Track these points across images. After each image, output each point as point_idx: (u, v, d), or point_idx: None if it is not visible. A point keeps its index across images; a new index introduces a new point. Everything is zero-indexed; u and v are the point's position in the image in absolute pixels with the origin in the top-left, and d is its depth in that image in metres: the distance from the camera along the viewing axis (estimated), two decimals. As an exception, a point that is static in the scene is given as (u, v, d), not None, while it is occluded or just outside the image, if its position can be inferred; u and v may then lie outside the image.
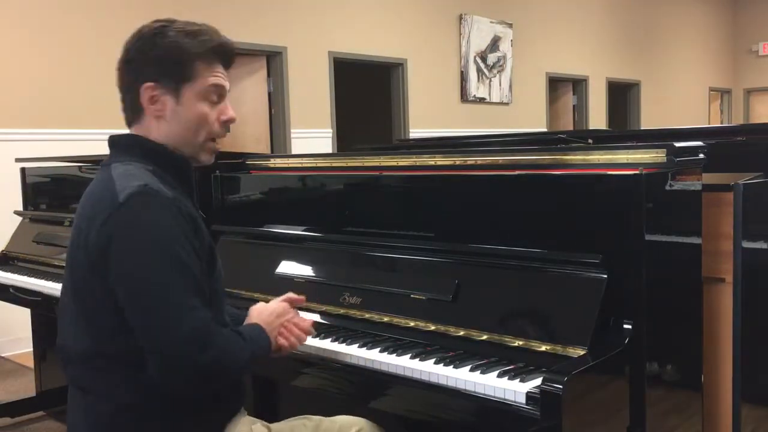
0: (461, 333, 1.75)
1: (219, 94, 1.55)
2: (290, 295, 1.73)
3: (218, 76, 1.55)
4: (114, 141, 1.58)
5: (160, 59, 1.49)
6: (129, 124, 1.57)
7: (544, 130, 8.98)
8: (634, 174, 1.61)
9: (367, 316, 1.94)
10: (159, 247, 1.38)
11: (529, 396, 1.44)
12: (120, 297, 1.39)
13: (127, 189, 1.41)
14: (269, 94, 6.66)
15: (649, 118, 11.31)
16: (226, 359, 1.42)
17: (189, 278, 1.40)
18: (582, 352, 1.54)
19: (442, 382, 1.59)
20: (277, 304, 1.67)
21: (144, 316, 1.37)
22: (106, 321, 1.43)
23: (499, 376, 1.54)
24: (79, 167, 3.44)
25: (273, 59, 6.62)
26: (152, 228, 1.39)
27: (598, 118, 10.34)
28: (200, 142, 1.55)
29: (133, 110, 1.54)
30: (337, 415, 1.76)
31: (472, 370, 1.58)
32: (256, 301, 2.17)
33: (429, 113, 7.95)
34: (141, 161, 1.50)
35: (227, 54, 1.58)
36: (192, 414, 1.50)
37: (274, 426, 1.69)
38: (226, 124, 1.58)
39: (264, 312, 1.63)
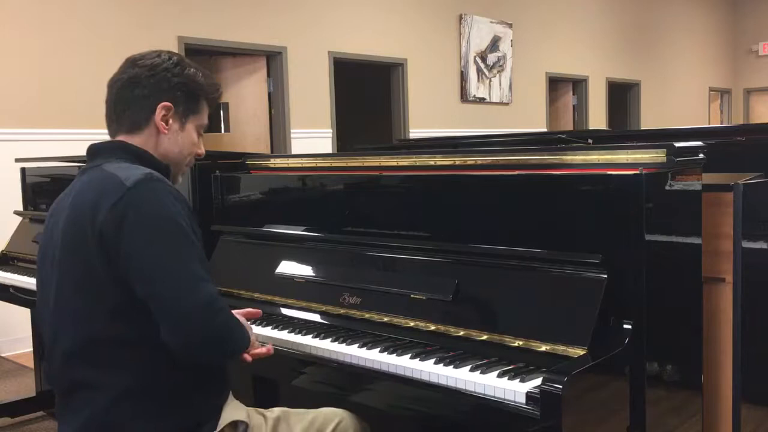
0: (461, 333, 1.75)
1: (203, 130, 1.77)
2: (249, 309, 1.84)
3: (206, 118, 1.77)
4: (99, 147, 1.67)
5: (181, 87, 1.66)
6: (116, 133, 1.67)
7: (544, 130, 8.98)
8: (634, 174, 1.61)
9: (367, 316, 1.94)
10: (171, 222, 1.49)
11: (529, 396, 1.44)
12: (133, 273, 1.45)
13: (132, 176, 1.51)
14: (269, 94, 6.66)
15: (649, 118, 11.31)
16: (233, 329, 1.54)
17: (198, 252, 1.52)
18: (582, 352, 1.54)
19: (442, 382, 1.59)
20: (238, 315, 1.73)
21: (161, 286, 1.45)
22: (108, 304, 1.48)
23: (499, 376, 1.54)
24: (79, 167, 3.44)
25: (273, 59, 6.62)
26: (162, 206, 1.49)
27: (598, 118, 10.34)
28: (183, 164, 1.74)
29: (133, 122, 1.65)
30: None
31: (472, 370, 1.58)
32: (256, 301, 2.18)
33: (429, 113, 7.95)
34: (132, 162, 1.61)
35: (217, 102, 1.82)
36: (186, 397, 1.54)
37: (267, 411, 1.73)
38: (197, 156, 1.78)
39: None
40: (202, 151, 1.77)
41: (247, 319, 1.75)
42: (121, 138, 1.66)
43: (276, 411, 1.75)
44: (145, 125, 1.65)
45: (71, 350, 1.52)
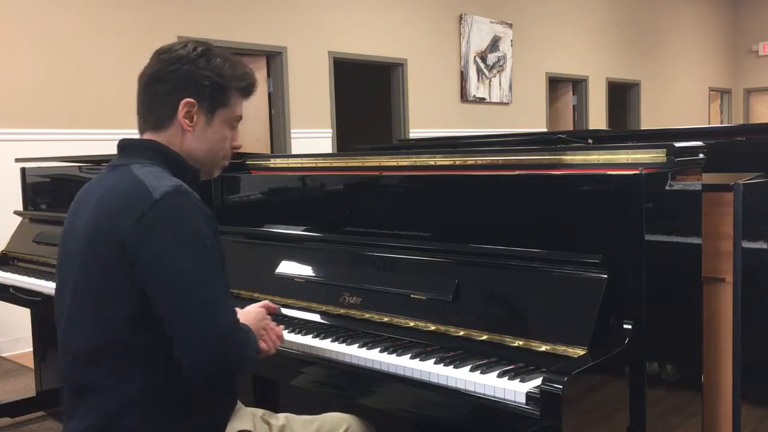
0: (461, 333, 1.75)
1: (238, 122, 1.69)
2: (267, 302, 1.81)
3: (241, 108, 1.69)
4: (129, 144, 1.62)
5: (204, 81, 1.59)
6: (144, 129, 1.63)
7: (544, 130, 8.98)
8: (634, 174, 1.61)
9: (367, 316, 1.94)
10: (198, 244, 1.45)
11: (529, 396, 1.44)
12: (153, 290, 1.43)
13: (161, 187, 1.47)
14: (269, 94, 6.66)
15: (649, 118, 11.31)
16: (244, 354, 1.50)
17: (222, 276, 1.49)
18: (582, 352, 1.54)
19: (442, 382, 1.59)
20: (257, 309, 1.73)
21: (181, 309, 1.42)
22: (122, 314, 1.46)
23: (499, 376, 1.54)
24: (79, 167, 3.44)
25: (273, 59, 6.62)
26: (190, 225, 1.46)
27: (598, 118, 10.34)
28: (217, 160, 1.68)
29: (159, 119, 1.60)
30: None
31: (472, 370, 1.58)
32: (256, 301, 2.17)
33: (429, 113, 7.95)
34: (161, 166, 1.56)
35: (252, 91, 1.71)
36: (194, 406, 1.53)
37: (272, 419, 1.72)
38: (233, 149, 1.70)
39: (249, 315, 1.67)
40: (238, 143, 1.70)
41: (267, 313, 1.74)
42: (148, 135, 1.61)
43: (281, 418, 1.73)
44: (170, 123, 1.59)
45: (83, 353, 1.51)
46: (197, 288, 1.43)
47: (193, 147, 1.62)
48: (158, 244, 1.43)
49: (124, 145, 1.63)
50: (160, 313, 1.43)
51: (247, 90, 1.68)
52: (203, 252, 1.45)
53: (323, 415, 1.76)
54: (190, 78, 1.58)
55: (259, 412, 1.72)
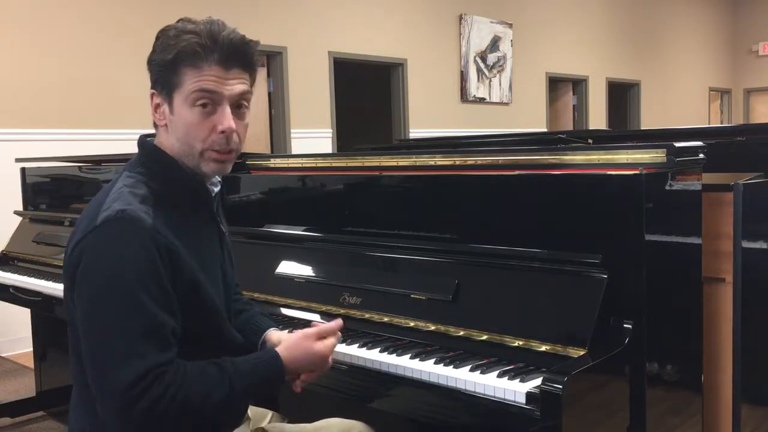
0: (461, 333, 1.75)
1: (211, 99, 1.39)
2: (326, 327, 1.55)
3: (205, 80, 1.37)
4: (140, 144, 1.50)
5: (155, 64, 1.41)
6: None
7: (544, 130, 8.98)
8: (634, 174, 1.61)
9: (367, 316, 1.94)
10: (118, 283, 1.28)
11: (529, 396, 1.44)
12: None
13: (107, 211, 1.33)
14: (269, 94, 6.66)
15: (649, 118, 11.31)
16: (174, 405, 1.27)
17: (141, 320, 1.28)
18: (582, 352, 1.54)
19: (442, 382, 1.59)
20: (305, 345, 1.49)
21: (91, 355, 1.29)
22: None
23: (499, 376, 1.54)
24: (79, 167, 3.44)
25: (273, 59, 6.62)
26: (116, 260, 1.30)
27: (598, 118, 10.34)
28: (197, 153, 1.41)
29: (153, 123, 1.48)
30: (335, 415, 1.77)
31: (472, 370, 1.58)
32: (256, 301, 2.17)
33: (429, 113, 7.95)
34: (147, 176, 1.43)
35: (224, 51, 1.38)
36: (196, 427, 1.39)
37: (274, 426, 1.69)
38: (223, 135, 1.41)
39: (296, 355, 1.47)
40: (223, 125, 1.39)
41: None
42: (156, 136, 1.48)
43: (287, 428, 1.70)
44: (156, 124, 1.46)
45: (72, 372, 1.45)
46: (107, 333, 1.27)
47: (172, 143, 1.42)
48: (83, 275, 1.30)
49: (138, 143, 1.50)
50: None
51: (194, 54, 1.35)
52: (119, 298, 1.28)
53: (330, 420, 1.74)
54: (150, 67, 1.42)
55: (267, 415, 1.69)
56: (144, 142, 1.48)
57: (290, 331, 1.76)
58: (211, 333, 1.48)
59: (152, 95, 1.43)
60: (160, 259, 1.32)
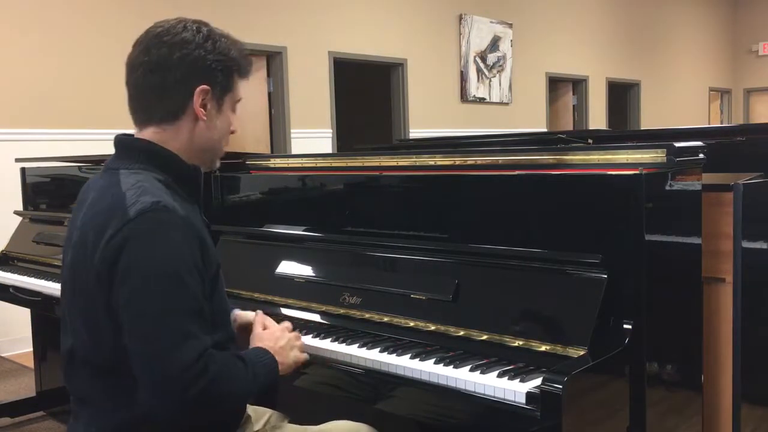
0: (461, 333, 1.75)
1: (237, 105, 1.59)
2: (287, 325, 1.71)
3: (241, 91, 1.58)
4: (124, 144, 1.51)
5: (217, 65, 1.48)
6: (145, 124, 1.50)
7: (544, 130, 8.98)
8: (634, 174, 1.61)
9: (367, 316, 1.94)
10: (164, 270, 1.33)
11: (529, 396, 1.44)
12: (120, 317, 1.34)
13: (138, 204, 1.36)
14: (269, 94, 6.66)
15: (649, 118, 11.31)
16: (223, 388, 1.36)
17: (191, 304, 1.35)
18: (582, 352, 1.54)
19: (442, 382, 1.59)
20: (279, 333, 1.65)
21: (140, 342, 1.32)
22: (109, 336, 1.38)
23: (499, 376, 1.54)
24: (79, 167, 3.44)
25: (273, 59, 6.62)
26: (160, 250, 1.34)
27: (598, 118, 10.34)
28: (221, 148, 1.58)
29: (168, 111, 1.48)
30: (337, 417, 1.77)
31: (472, 370, 1.58)
32: (256, 301, 2.18)
33: (429, 113, 7.95)
34: (153, 170, 1.46)
35: (250, 71, 1.60)
36: (195, 426, 1.43)
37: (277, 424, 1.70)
38: (231, 135, 1.61)
39: (263, 335, 1.62)
40: (236, 128, 1.58)
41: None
42: (151, 129, 1.49)
43: (289, 429, 1.71)
44: (182, 114, 1.47)
45: (80, 368, 1.46)
46: (157, 327, 1.31)
47: (205, 137, 1.50)
48: (127, 266, 1.33)
49: (119, 143, 1.52)
50: (126, 340, 1.34)
51: (247, 71, 1.57)
52: (169, 284, 1.33)
53: (335, 422, 1.74)
54: (202, 63, 1.46)
55: (266, 414, 1.69)
56: (137, 139, 1.51)
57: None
58: (225, 320, 1.56)
59: (202, 90, 1.47)
60: (195, 245, 1.40)
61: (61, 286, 1.55)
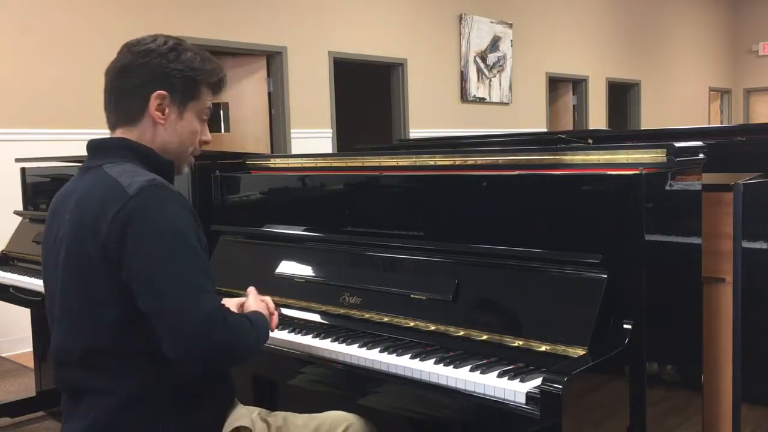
0: (461, 333, 1.75)
1: (207, 116, 1.68)
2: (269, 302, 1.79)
3: (210, 101, 1.67)
4: (100, 144, 1.62)
5: (176, 74, 1.58)
6: (115, 125, 1.62)
7: (544, 130, 8.98)
8: (634, 174, 1.61)
9: (367, 316, 1.94)
10: (175, 232, 1.45)
11: (529, 396, 1.44)
12: (135, 285, 1.43)
13: (135, 183, 1.46)
14: (269, 94, 6.66)
15: (649, 118, 11.31)
16: (238, 340, 1.48)
17: (201, 263, 1.48)
18: (582, 352, 1.54)
19: (442, 382, 1.59)
20: (254, 296, 1.76)
21: (162, 299, 1.42)
22: (112, 315, 1.46)
23: (499, 376, 1.54)
24: (79, 167, 3.44)
25: (273, 59, 6.62)
26: (166, 215, 1.45)
27: (598, 118, 10.34)
28: (187, 155, 1.67)
29: (130, 112, 1.59)
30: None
31: (472, 370, 1.58)
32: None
33: (429, 113, 7.95)
34: (134, 162, 1.56)
35: (222, 87, 1.71)
36: (192, 404, 1.54)
37: (270, 417, 1.72)
38: (202, 144, 1.69)
39: (255, 302, 1.72)
40: (207, 137, 1.69)
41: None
42: (120, 131, 1.61)
43: (280, 416, 1.73)
44: (141, 116, 1.58)
45: (75, 358, 1.51)
46: (176, 278, 1.42)
47: (165, 140, 1.61)
48: (136, 239, 1.42)
49: (94, 145, 1.63)
50: (144, 308, 1.43)
51: (217, 85, 1.67)
52: (182, 245, 1.45)
53: (323, 413, 1.76)
54: (162, 71, 1.57)
55: (257, 410, 1.72)
56: (117, 138, 1.61)
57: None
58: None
59: (160, 96, 1.58)
60: (192, 217, 1.52)
61: (49, 291, 1.61)
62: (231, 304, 1.76)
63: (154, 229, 1.44)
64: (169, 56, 1.58)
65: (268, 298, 1.77)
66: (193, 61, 1.61)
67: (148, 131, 1.60)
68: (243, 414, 1.65)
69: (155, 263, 1.43)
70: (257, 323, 1.56)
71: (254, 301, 1.73)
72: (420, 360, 1.68)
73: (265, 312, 1.67)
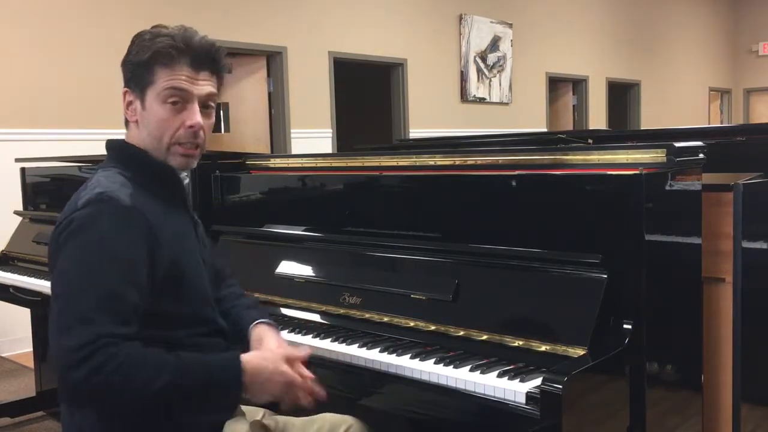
0: (461, 333, 1.75)
1: (181, 97, 1.50)
2: (290, 352, 1.54)
3: (177, 79, 1.49)
4: (107, 145, 1.63)
5: (129, 64, 1.53)
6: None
7: (544, 130, 8.98)
8: (634, 174, 1.61)
9: (367, 316, 1.94)
10: (85, 255, 1.37)
11: (529, 396, 1.44)
12: None
13: (86, 196, 1.45)
14: (269, 94, 6.66)
15: (649, 118, 11.31)
16: (113, 380, 1.29)
17: (101, 290, 1.34)
18: (582, 352, 1.54)
19: (442, 382, 1.59)
20: (274, 366, 1.47)
21: (51, 314, 1.36)
22: None
23: (499, 376, 1.54)
24: (79, 167, 3.44)
25: (273, 59, 6.62)
26: (87, 235, 1.39)
27: (598, 118, 10.34)
28: (164, 147, 1.53)
29: (124, 120, 1.60)
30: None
31: (472, 370, 1.58)
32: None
33: (429, 113, 7.95)
34: (120, 168, 1.55)
35: (195, 54, 1.51)
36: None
37: (271, 421, 1.70)
38: (191, 130, 1.52)
39: (263, 375, 1.45)
40: (192, 120, 1.51)
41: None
42: (126, 134, 1.61)
43: (280, 420, 1.71)
44: (125, 117, 1.58)
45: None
46: (66, 297, 1.34)
47: (142, 137, 1.54)
48: (63, 251, 1.39)
49: (107, 146, 1.63)
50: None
51: (167, 55, 1.48)
52: (92, 265, 1.36)
53: (322, 414, 1.75)
54: (123, 68, 1.55)
55: (259, 413, 1.71)
56: (111, 140, 1.61)
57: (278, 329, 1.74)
58: (196, 317, 1.55)
59: (125, 93, 1.56)
60: (137, 236, 1.42)
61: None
62: (270, 337, 1.62)
63: (69, 245, 1.39)
64: (130, 50, 1.53)
65: (306, 372, 1.50)
66: (141, 44, 1.50)
67: (132, 132, 1.58)
68: (241, 420, 1.61)
69: (56, 280, 1.40)
70: (192, 368, 1.35)
71: (274, 372, 1.44)
72: (420, 360, 1.68)
73: (276, 386, 1.45)
